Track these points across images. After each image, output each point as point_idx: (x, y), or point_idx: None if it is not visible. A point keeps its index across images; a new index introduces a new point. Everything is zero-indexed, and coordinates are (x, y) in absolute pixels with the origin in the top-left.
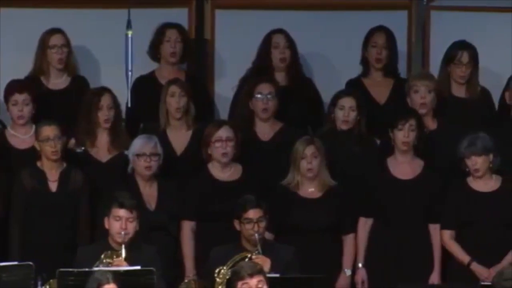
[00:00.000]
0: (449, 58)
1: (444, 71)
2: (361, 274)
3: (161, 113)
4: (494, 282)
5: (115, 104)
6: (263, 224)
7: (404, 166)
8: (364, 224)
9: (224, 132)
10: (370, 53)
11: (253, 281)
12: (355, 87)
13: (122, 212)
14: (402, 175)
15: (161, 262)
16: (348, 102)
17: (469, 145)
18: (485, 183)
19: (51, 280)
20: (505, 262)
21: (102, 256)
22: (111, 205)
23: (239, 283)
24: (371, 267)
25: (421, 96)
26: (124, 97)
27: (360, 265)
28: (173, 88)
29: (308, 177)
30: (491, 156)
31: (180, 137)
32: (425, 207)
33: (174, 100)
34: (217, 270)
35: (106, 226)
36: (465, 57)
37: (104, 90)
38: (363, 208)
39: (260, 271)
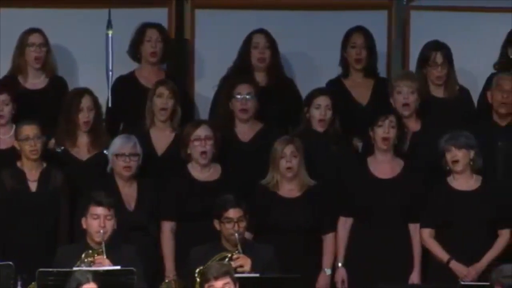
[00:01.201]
0: (424, 59)
1: (420, 72)
2: (341, 274)
3: (147, 113)
4: (493, 279)
5: (96, 105)
6: (243, 224)
7: (384, 166)
8: (344, 224)
9: (202, 131)
10: (349, 54)
11: (219, 283)
12: (335, 88)
13: (99, 210)
14: (382, 175)
15: (141, 262)
16: (323, 101)
17: (451, 138)
18: (465, 182)
19: (33, 283)
20: (484, 261)
21: (83, 255)
22: (88, 204)
23: (206, 285)
24: (351, 266)
25: (404, 97)
26: (104, 97)
27: (339, 264)
28: (161, 89)
29: (288, 177)
30: (472, 152)
31: (163, 138)
32: (405, 206)
33: (161, 101)
34: (197, 270)
35: (84, 226)
36: (439, 57)
37: (85, 91)
38: (342, 208)
39: (227, 273)
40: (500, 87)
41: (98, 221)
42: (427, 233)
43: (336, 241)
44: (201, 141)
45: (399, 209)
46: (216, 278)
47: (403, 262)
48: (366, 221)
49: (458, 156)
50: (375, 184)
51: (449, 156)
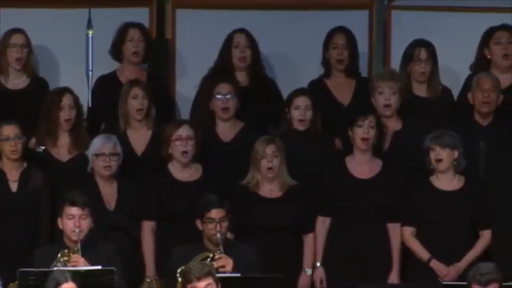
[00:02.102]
0: (408, 56)
1: (404, 70)
2: (319, 273)
3: (121, 114)
4: (470, 276)
5: (77, 104)
6: (225, 224)
7: (362, 166)
8: (322, 223)
9: (184, 131)
10: (331, 55)
11: (201, 284)
12: (317, 88)
13: (74, 210)
14: (360, 175)
15: (119, 260)
16: (303, 101)
17: (436, 137)
18: (448, 182)
19: (11, 284)
20: (464, 261)
21: (59, 255)
22: (63, 205)
23: (188, 286)
24: (330, 266)
25: (385, 98)
26: (85, 97)
27: (318, 264)
28: (136, 90)
29: (269, 177)
30: (456, 153)
31: (140, 137)
32: (383, 206)
33: (137, 102)
34: (179, 270)
35: (60, 226)
36: (423, 54)
37: (65, 90)
38: (320, 207)
39: (209, 274)
40: (481, 87)
41: (73, 221)
42: (409, 231)
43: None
44: (182, 140)
45: (378, 209)
46: (199, 278)
47: (382, 261)
48: (345, 221)
49: (442, 155)
50: (354, 184)
51: (433, 155)
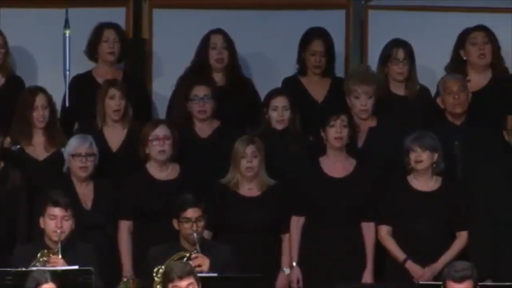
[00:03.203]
0: (385, 56)
1: (381, 70)
2: (296, 273)
3: (99, 113)
4: (445, 273)
5: (50, 103)
6: (201, 224)
7: (337, 165)
8: (296, 223)
9: (161, 131)
10: (308, 60)
11: (183, 283)
12: (292, 86)
13: (57, 211)
14: (335, 174)
15: (97, 260)
16: (280, 102)
17: (417, 138)
18: (425, 183)
19: None
20: (440, 262)
21: (39, 255)
22: (45, 204)
23: (170, 285)
24: (306, 265)
25: (361, 103)
26: (62, 97)
27: (294, 264)
28: (113, 91)
29: (248, 176)
30: (436, 155)
31: (116, 135)
32: (358, 205)
33: (114, 103)
34: (155, 270)
35: (42, 225)
36: (400, 54)
37: (39, 89)
38: (294, 207)
39: (190, 273)
40: (449, 90)
41: (55, 222)
42: (385, 230)
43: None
44: (159, 140)
45: (352, 208)
46: (180, 277)
47: (357, 261)
48: (319, 220)
49: (422, 157)
50: (328, 183)
51: (413, 156)
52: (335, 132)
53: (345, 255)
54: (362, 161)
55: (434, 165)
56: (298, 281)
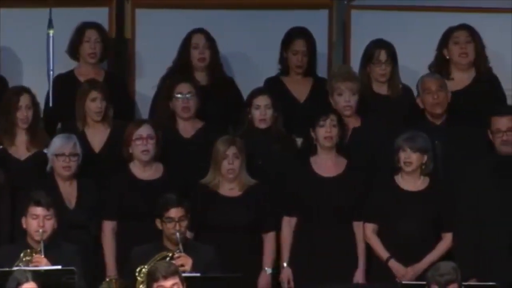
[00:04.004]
0: (368, 57)
1: (364, 71)
2: (287, 273)
3: (78, 115)
4: (429, 277)
5: (34, 103)
6: (184, 223)
7: (327, 164)
8: (288, 223)
9: (144, 130)
10: (290, 59)
11: (168, 283)
12: (274, 85)
13: (39, 210)
14: (325, 173)
15: (80, 260)
16: (263, 101)
17: (409, 138)
18: (412, 182)
19: None
20: (423, 263)
21: (22, 255)
22: (27, 204)
23: (154, 285)
24: (296, 266)
25: (345, 100)
26: (45, 96)
27: (285, 264)
28: (94, 94)
29: (229, 177)
30: (425, 157)
31: (98, 135)
32: (349, 204)
33: (95, 105)
34: (138, 269)
35: (24, 225)
36: (383, 55)
37: (23, 89)
38: (286, 207)
39: (175, 273)
40: (429, 90)
41: (37, 221)
42: (370, 228)
43: (276, 241)
44: (143, 140)
45: (344, 208)
46: (165, 277)
47: (349, 261)
48: (311, 220)
49: (411, 158)
50: (319, 183)
51: (403, 156)
52: (325, 131)
53: (337, 255)
54: (352, 161)
55: (423, 167)
56: (289, 282)
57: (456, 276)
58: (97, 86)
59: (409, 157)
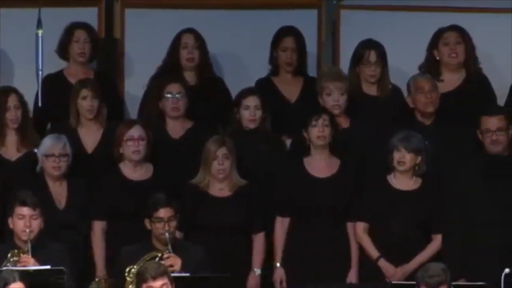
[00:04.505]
0: (357, 58)
1: (353, 71)
2: (279, 274)
3: (72, 114)
4: (418, 277)
5: (22, 103)
6: (173, 224)
7: (321, 165)
8: (281, 223)
9: (136, 131)
10: (280, 57)
11: (157, 283)
12: (265, 86)
13: (25, 210)
14: (319, 174)
15: (69, 260)
16: (252, 101)
17: (404, 138)
18: (405, 182)
19: None
20: (413, 263)
21: (9, 255)
22: (13, 204)
23: (143, 285)
24: (289, 266)
25: (333, 99)
26: (34, 97)
27: (278, 264)
28: (85, 92)
29: (219, 178)
30: (419, 158)
31: (91, 136)
32: (343, 205)
33: (86, 103)
34: (127, 269)
35: (11, 226)
36: (372, 56)
37: (11, 90)
38: (279, 208)
39: (164, 273)
40: (421, 89)
41: (23, 221)
42: (361, 227)
43: (265, 241)
44: (134, 141)
45: (337, 208)
46: (154, 278)
47: (343, 261)
48: (304, 220)
49: (405, 158)
50: (312, 183)
51: (397, 156)
52: (318, 131)
53: (330, 256)
54: (346, 161)
55: (416, 167)
56: (281, 282)
57: (445, 277)
58: (87, 84)
59: (404, 157)
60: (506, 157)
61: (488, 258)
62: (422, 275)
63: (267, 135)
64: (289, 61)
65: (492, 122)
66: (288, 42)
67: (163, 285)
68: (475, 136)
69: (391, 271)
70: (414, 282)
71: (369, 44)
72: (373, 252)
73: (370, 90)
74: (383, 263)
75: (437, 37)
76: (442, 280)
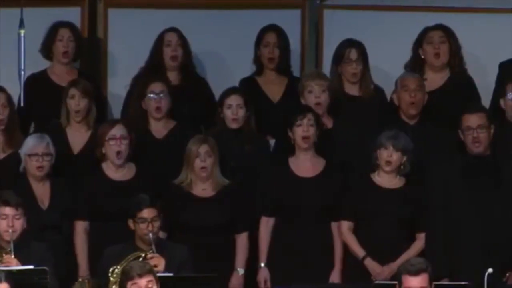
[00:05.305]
0: (339, 56)
1: (335, 71)
2: (264, 274)
3: (62, 113)
4: (400, 270)
5: (10, 103)
6: (157, 224)
7: (306, 165)
8: (266, 223)
9: (118, 131)
10: (262, 53)
11: (143, 281)
12: (249, 86)
13: (7, 210)
14: (304, 174)
15: (52, 259)
16: (235, 100)
17: (392, 137)
18: (389, 180)
19: None
20: (399, 261)
21: None
22: None
23: (129, 283)
24: (274, 266)
25: (315, 96)
26: (17, 96)
27: (262, 264)
28: (73, 91)
29: (202, 176)
30: (405, 158)
31: (78, 137)
32: (328, 205)
33: (74, 103)
34: (111, 270)
35: None
36: (353, 54)
37: None
38: (263, 208)
39: (150, 271)
40: (407, 88)
41: (6, 221)
42: (346, 226)
43: (248, 241)
44: (116, 140)
45: (322, 208)
46: (140, 276)
47: (326, 261)
48: (289, 220)
49: (393, 157)
50: (297, 184)
51: (384, 154)
52: (302, 131)
53: (314, 256)
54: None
55: (401, 167)
56: (265, 282)
57: (427, 266)
58: (77, 84)
59: (391, 156)
60: (486, 157)
61: (470, 258)
62: (404, 266)
63: (252, 135)
64: (271, 56)
65: (473, 120)
66: (270, 37)
67: (148, 282)
68: (458, 137)
69: (378, 270)
70: (395, 282)
71: (349, 43)
72: (359, 251)
73: (352, 90)
74: (369, 262)
75: (422, 35)
76: (423, 267)
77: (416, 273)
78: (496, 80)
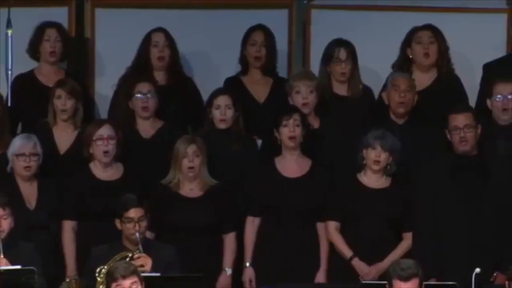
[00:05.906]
0: (327, 56)
1: (324, 70)
2: (249, 273)
3: (50, 112)
4: (390, 272)
5: (1, 102)
6: (144, 224)
7: (292, 165)
8: (252, 223)
9: (105, 131)
10: (249, 52)
11: (127, 282)
12: (234, 85)
13: None
14: (290, 174)
15: (40, 259)
16: (223, 101)
17: (379, 137)
18: (375, 180)
19: None
20: (386, 262)
21: None
22: None
23: (113, 285)
24: (259, 266)
25: (302, 97)
26: (4, 97)
27: (247, 264)
28: (59, 91)
29: (189, 176)
30: (391, 158)
31: (65, 137)
32: (313, 205)
33: (60, 103)
34: (98, 270)
35: None
36: (342, 53)
37: None
38: (249, 207)
39: (134, 272)
40: (397, 87)
41: None
42: (333, 226)
43: (236, 241)
44: (103, 140)
45: (308, 208)
46: (124, 277)
47: (312, 261)
48: (274, 220)
49: (381, 157)
50: (283, 184)
51: (372, 154)
52: (289, 131)
53: (300, 256)
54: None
55: (388, 167)
56: (250, 281)
57: (417, 271)
58: (64, 84)
59: (379, 156)
60: (473, 156)
61: (458, 258)
62: (394, 269)
63: (240, 134)
64: (258, 55)
65: (459, 120)
66: (258, 36)
67: (132, 283)
68: (445, 137)
69: (365, 270)
70: (385, 282)
71: (339, 42)
72: (346, 252)
73: (341, 90)
74: (356, 262)
75: (411, 35)
76: (414, 273)
77: (407, 278)
78: (481, 81)
